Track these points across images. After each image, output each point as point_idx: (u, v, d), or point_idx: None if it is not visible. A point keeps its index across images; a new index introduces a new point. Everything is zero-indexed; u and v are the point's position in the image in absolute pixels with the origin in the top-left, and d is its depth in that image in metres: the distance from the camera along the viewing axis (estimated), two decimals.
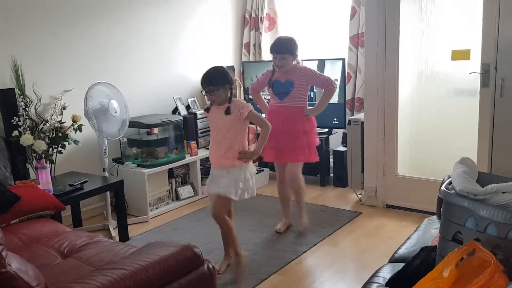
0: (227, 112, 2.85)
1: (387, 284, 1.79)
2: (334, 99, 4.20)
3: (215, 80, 2.83)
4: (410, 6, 3.74)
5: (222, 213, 2.93)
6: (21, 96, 3.44)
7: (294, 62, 3.47)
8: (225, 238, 3.03)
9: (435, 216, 2.53)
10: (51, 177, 3.33)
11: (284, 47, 3.41)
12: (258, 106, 3.77)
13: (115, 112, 3.69)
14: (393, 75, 3.85)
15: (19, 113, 3.38)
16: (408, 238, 2.31)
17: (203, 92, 2.92)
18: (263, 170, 4.85)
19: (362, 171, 4.19)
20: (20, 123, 3.36)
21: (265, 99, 3.78)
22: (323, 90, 3.53)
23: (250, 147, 4.92)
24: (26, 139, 3.32)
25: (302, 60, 3.65)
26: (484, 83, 3.29)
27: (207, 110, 2.99)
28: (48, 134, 3.50)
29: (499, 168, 3.12)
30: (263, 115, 3.52)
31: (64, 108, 3.64)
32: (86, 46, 3.99)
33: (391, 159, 3.98)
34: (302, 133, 3.48)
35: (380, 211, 4.01)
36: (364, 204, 4.16)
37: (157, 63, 4.60)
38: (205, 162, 4.67)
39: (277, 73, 3.49)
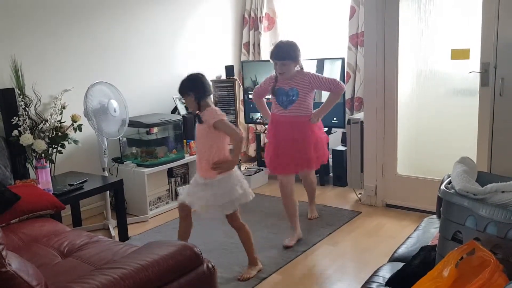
0: (199, 120, 2.82)
1: (387, 283, 1.79)
2: None
3: (180, 88, 2.84)
4: (410, 6, 3.74)
5: (236, 222, 2.92)
6: (21, 96, 3.44)
7: (296, 68, 3.30)
8: (246, 245, 2.98)
9: (434, 216, 2.53)
10: (51, 177, 3.33)
11: (285, 53, 3.22)
12: (256, 107, 3.73)
13: (115, 111, 3.69)
14: (392, 74, 3.84)
15: (19, 113, 3.39)
16: (408, 238, 2.31)
17: None
18: (262, 170, 4.84)
19: (362, 171, 4.19)
20: (20, 123, 3.36)
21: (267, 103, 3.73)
22: (330, 92, 3.41)
23: (250, 146, 4.88)
24: (26, 138, 3.32)
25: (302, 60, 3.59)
26: (484, 82, 3.29)
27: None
28: (48, 133, 3.50)
29: (499, 167, 3.13)
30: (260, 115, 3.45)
31: (63, 107, 3.65)
32: (86, 46, 3.99)
33: (391, 158, 3.98)
34: (313, 143, 3.40)
35: (379, 211, 4.01)
36: (364, 204, 4.16)
37: (157, 63, 4.60)
38: None
39: (280, 80, 3.31)
